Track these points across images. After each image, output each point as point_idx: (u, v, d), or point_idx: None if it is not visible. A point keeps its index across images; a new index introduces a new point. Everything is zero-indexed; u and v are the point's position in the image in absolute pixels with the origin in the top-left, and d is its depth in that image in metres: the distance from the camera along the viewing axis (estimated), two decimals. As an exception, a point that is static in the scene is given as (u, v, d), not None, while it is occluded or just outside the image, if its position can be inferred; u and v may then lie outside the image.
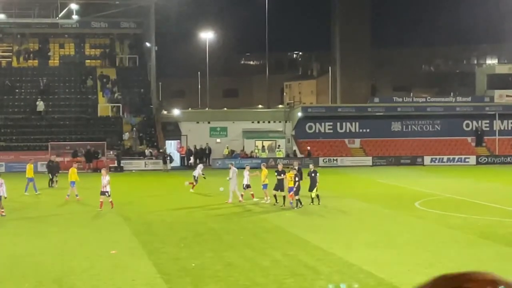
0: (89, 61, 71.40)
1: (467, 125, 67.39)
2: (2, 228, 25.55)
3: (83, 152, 56.32)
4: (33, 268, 18.21)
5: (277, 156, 60.75)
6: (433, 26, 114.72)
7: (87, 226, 26.03)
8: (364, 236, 23.16)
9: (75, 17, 58.72)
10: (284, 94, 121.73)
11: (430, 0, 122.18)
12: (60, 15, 59.42)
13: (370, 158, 62.92)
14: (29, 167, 38.20)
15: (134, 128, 61.60)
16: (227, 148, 62.92)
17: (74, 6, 58.11)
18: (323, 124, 66.49)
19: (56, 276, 17.23)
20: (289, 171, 31.32)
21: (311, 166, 33.07)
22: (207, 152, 62.10)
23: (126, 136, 61.10)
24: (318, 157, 61.82)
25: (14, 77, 67.07)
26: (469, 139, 66.87)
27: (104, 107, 64.56)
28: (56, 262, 19.04)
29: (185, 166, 60.32)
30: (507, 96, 68.85)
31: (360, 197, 35.39)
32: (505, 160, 63.38)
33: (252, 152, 62.66)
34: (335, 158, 62.40)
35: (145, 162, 58.18)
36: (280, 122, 67.07)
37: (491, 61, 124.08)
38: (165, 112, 70.58)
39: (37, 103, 62.93)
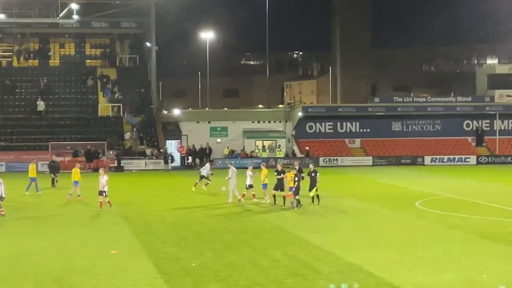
0: (89, 61, 71.42)
1: (468, 125, 67.42)
2: (3, 228, 25.56)
3: (83, 152, 56.34)
4: (33, 268, 18.22)
5: (277, 156, 60.79)
6: (433, 26, 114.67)
7: (88, 226, 26.04)
8: (364, 236, 23.18)
9: (75, 17, 58.68)
10: (285, 94, 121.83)
11: (430, 0, 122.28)
12: (60, 15, 59.39)
13: (371, 158, 62.94)
14: (32, 167, 38.24)
15: (134, 129, 61.61)
16: (228, 148, 62.94)
17: (74, 6, 58.07)
18: (323, 124, 66.53)
19: (57, 276, 17.24)
20: (289, 171, 31.32)
21: (311, 166, 33.05)
22: (207, 152, 62.10)
23: (127, 136, 61.12)
24: (318, 157, 61.85)
25: (14, 77, 67.10)
26: (469, 139, 66.91)
27: (104, 107, 64.57)
28: (56, 262, 19.05)
29: (186, 166, 60.32)
30: (507, 96, 68.91)
31: (361, 197, 35.40)
32: (506, 160, 63.42)
33: (252, 152, 62.69)
34: (335, 158, 62.43)
35: (145, 162, 58.20)
36: (280, 122, 67.10)
37: (491, 61, 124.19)
38: (165, 112, 70.61)
39: (38, 103, 62.96)
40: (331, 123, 66.49)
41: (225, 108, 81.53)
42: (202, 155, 61.89)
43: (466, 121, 67.30)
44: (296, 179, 30.27)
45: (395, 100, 69.38)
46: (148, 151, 59.22)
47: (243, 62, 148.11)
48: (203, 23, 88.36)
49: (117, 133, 61.37)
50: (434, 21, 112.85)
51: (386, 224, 26.22)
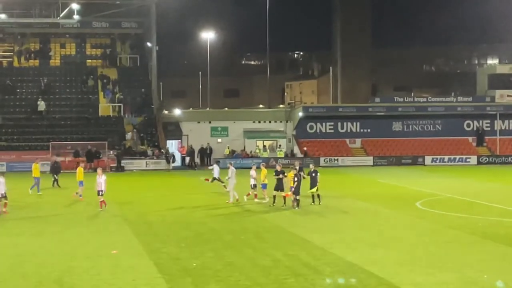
0: (90, 61, 71.45)
1: (468, 125, 67.40)
2: (3, 228, 25.56)
3: (84, 152, 56.34)
4: (33, 268, 18.22)
5: (278, 156, 60.83)
6: (433, 26, 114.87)
7: (88, 226, 26.04)
8: (365, 236, 23.17)
9: (76, 17, 58.67)
10: (285, 94, 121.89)
11: (431, 0, 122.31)
12: (61, 15, 59.40)
13: (371, 158, 62.94)
14: (35, 167, 38.32)
15: (135, 129, 61.61)
16: (228, 148, 62.95)
17: (75, 6, 58.05)
18: (324, 124, 66.52)
19: (57, 276, 17.24)
20: (290, 171, 31.30)
21: (311, 166, 33.05)
22: (208, 152, 62.08)
23: (128, 136, 61.14)
24: (319, 157, 61.87)
25: (15, 77, 67.12)
26: (470, 139, 66.89)
27: (105, 107, 64.60)
28: (56, 262, 19.04)
29: (186, 166, 60.26)
30: (508, 96, 68.89)
31: (361, 197, 35.39)
32: (506, 160, 63.40)
33: (252, 151, 62.70)
34: (336, 158, 62.43)
35: (146, 162, 58.22)
36: (281, 122, 67.09)
37: (492, 61, 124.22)
38: (166, 112, 70.62)
39: (38, 103, 62.99)
40: (332, 123, 66.49)
41: (226, 108, 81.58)
42: (203, 155, 61.90)
43: (467, 121, 67.28)
44: (296, 179, 30.25)
45: (395, 100, 69.40)
46: (149, 151, 59.25)
47: (243, 62, 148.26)
48: (204, 23, 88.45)
49: (118, 133, 61.38)
50: (434, 21, 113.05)
51: (387, 224, 26.20)
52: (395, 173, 53.33)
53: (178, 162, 60.87)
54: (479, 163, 62.73)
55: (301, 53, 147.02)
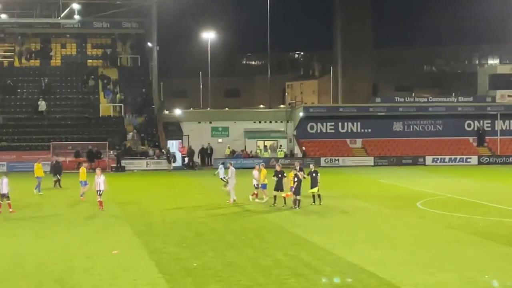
0: (90, 61, 71.41)
1: (469, 125, 67.36)
2: (4, 228, 25.58)
3: (84, 152, 56.34)
4: (34, 268, 18.23)
5: (278, 156, 60.82)
6: (434, 26, 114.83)
7: (89, 226, 26.05)
8: (365, 236, 23.18)
9: (76, 17, 58.68)
10: (286, 94, 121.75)
11: (432, 0, 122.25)
12: (62, 15, 59.39)
13: (372, 158, 62.91)
14: (37, 166, 38.39)
15: (135, 130, 61.60)
16: (229, 148, 62.93)
17: (75, 6, 58.05)
18: (324, 124, 66.49)
19: (58, 276, 17.25)
20: (290, 171, 31.30)
21: (311, 166, 33.05)
22: (208, 152, 62.05)
23: (129, 136, 61.13)
24: (319, 157, 61.84)
25: (16, 77, 67.10)
26: (470, 139, 66.85)
27: (106, 107, 64.59)
28: (57, 262, 19.05)
29: (186, 166, 60.22)
30: (508, 96, 68.79)
31: (362, 197, 35.39)
32: (507, 160, 63.34)
33: (252, 152, 62.68)
34: (336, 158, 62.40)
35: (146, 162, 58.21)
36: (281, 122, 67.05)
37: (492, 61, 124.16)
38: (166, 112, 70.57)
39: (39, 103, 62.98)
40: (333, 123, 66.45)
41: (227, 108, 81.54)
42: (204, 155, 61.87)
43: (468, 121, 67.23)
44: (296, 179, 30.26)
45: (396, 100, 69.32)
46: (150, 151, 59.25)
47: (244, 62, 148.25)
48: (205, 23, 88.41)
49: (118, 133, 61.36)
50: (435, 21, 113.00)
51: (388, 224, 26.20)
52: (395, 173, 53.32)
53: (178, 162, 60.86)
54: (479, 163, 62.69)
55: (302, 53, 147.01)
